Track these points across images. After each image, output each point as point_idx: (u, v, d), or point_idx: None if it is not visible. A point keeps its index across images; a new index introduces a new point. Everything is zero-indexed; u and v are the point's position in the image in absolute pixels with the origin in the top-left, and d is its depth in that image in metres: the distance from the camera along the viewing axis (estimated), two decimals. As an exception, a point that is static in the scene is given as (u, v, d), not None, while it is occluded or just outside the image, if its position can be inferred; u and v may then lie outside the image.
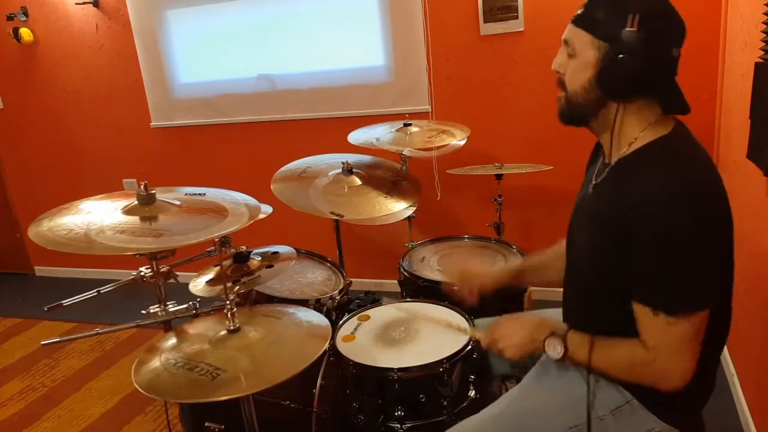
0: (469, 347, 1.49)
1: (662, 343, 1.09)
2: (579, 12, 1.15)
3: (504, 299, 1.92)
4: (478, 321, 1.59)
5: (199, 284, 1.74)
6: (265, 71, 3.30)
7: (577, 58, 1.15)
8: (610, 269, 1.16)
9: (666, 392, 1.13)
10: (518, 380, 1.58)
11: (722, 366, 2.32)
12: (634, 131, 1.15)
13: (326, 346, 1.31)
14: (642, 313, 1.11)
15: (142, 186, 1.44)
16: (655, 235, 1.06)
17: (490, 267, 1.66)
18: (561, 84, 1.21)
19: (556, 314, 1.47)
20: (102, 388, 2.72)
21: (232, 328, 1.35)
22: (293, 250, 1.89)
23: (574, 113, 1.20)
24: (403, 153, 2.34)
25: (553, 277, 1.54)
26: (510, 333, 1.31)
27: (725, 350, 2.32)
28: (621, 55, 1.08)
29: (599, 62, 1.11)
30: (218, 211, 1.45)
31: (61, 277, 4.23)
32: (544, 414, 1.28)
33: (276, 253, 1.85)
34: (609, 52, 1.10)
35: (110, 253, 1.24)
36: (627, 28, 1.06)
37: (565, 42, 1.17)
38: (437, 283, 1.90)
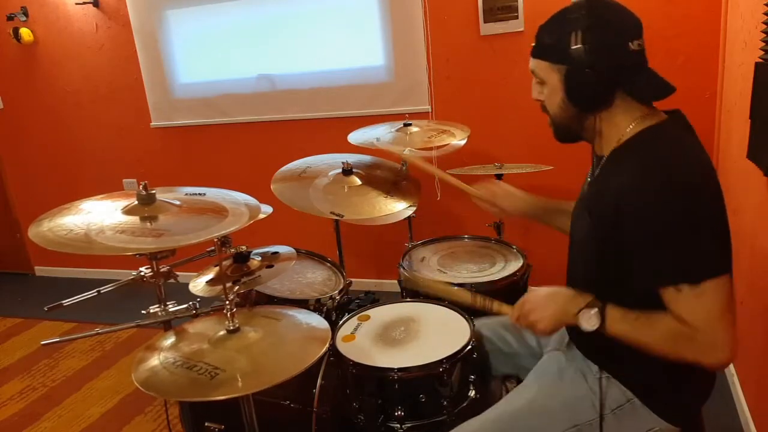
0: (469, 347, 1.49)
1: (698, 316, 1.06)
2: (533, 44, 1.23)
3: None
4: (478, 322, 1.59)
5: (199, 284, 1.74)
6: (265, 71, 3.30)
7: (547, 85, 1.22)
8: (607, 260, 1.18)
9: (714, 367, 1.11)
10: (518, 380, 1.59)
11: (722, 366, 2.32)
12: (621, 129, 1.19)
13: (325, 348, 1.31)
14: (667, 295, 1.09)
15: (142, 186, 1.44)
16: (647, 215, 1.07)
17: (518, 196, 1.62)
18: (545, 110, 1.28)
19: None
20: (102, 388, 2.72)
21: (231, 328, 1.35)
22: (293, 250, 1.89)
23: (564, 133, 1.27)
24: (404, 153, 2.34)
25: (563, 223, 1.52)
26: (541, 305, 1.25)
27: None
28: (578, 72, 1.15)
29: (563, 83, 1.19)
30: (218, 211, 1.45)
31: (61, 277, 4.23)
32: (546, 414, 1.28)
33: (276, 253, 1.85)
34: (568, 73, 1.17)
35: (110, 253, 1.24)
36: (573, 46, 1.13)
37: (533, 72, 1.25)
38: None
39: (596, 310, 1.16)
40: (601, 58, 1.13)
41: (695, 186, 1.07)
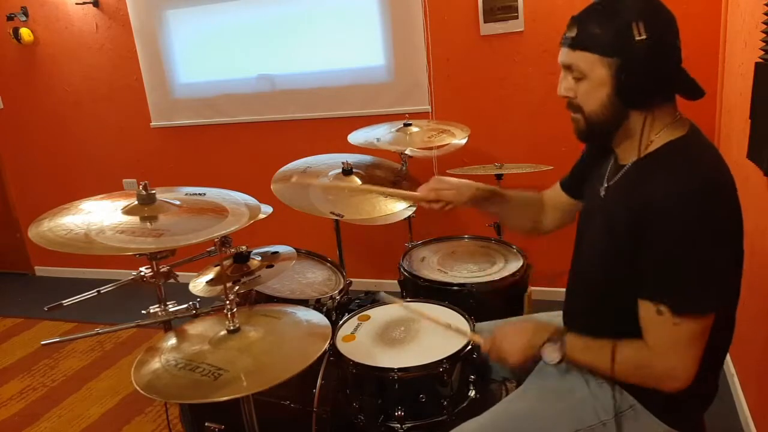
0: (469, 347, 1.49)
1: (664, 343, 1.09)
2: (571, 35, 1.13)
3: (504, 300, 1.93)
4: (479, 325, 1.59)
5: (199, 284, 1.74)
6: (265, 71, 3.30)
7: (588, 80, 1.13)
8: (619, 273, 1.16)
9: (669, 392, 1.12)
10: (518, 381, 1.58)
11: (722, 366, 2.32)
12: (651, 134, 1.14)
13: (327, 345, 1.31)
14: (646, 310, 1.10)
15: (142, 186, 1.44)
16: (669, 234, 1.05)
17: (463, 181, 1.51)
18: (574, 107, 1.19)
19: (552, 317, 1.48)
20: (102, 388, 2.72)
21: (232, 328, 1.35)
22: (293, 250, 1.89)
23: (596, 131, 1.18)
24: (404, 153, 2.34)
25: (518, 220, 1.58)
26: (510, 339, 1.28)
27: (725, 350, 2.32)
28: (636, 66, 1.06)
29: (614, 78, 1.10)
30: (218, 211, 1.45)
31: (61, 277, 4.23)
32: (546, 417, 1.28)
33: (276, 253, 1.85)
34: (622, 66, 1.08)
35: (110, 253, 1.24)
36: (637, 38, 1.04)
37: (567, 67, 1.15)
38: (437, 282, 1.90)
39: (558, 344, 1.19)
40: (661, 52, 1.06)
41: (727, 214, 1.07)
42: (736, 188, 1.11)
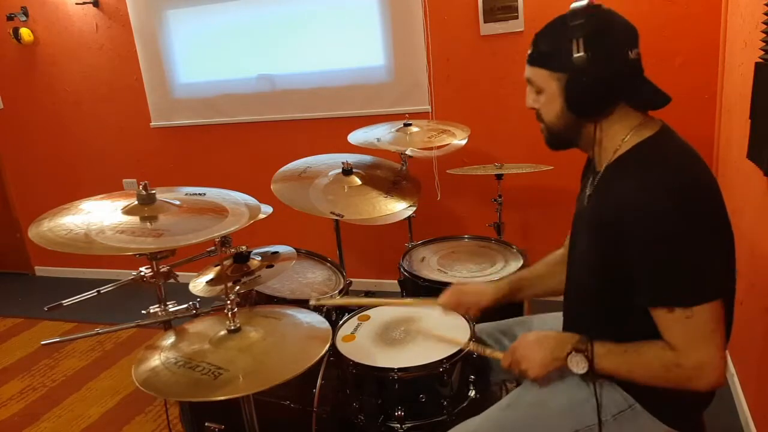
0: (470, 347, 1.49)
1: (686, 339, 1.08)
2: (529, 52, 1.21)
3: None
4: (479, 326, 1.59)
5: (199, 284, 1.74)
6: (265, 71, 3.30)
7: (544, 93, 1.21)
8: (608, 278, 1.17)
9: (705, 391, 1.11)
10: (518, 381, 1.59)
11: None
12: (617, 139, 1.18)
13: (327, 347, 1.31)
14: (659, 315, 1.10)
15: (142, 186, 1.44)
16: (649, 235, 1.07)
17: (482, 285, 1.57)
18: (539, 118, 1.26)
19: (556, 319, 1.47)
20: (102, 388, 2.72)
21: (232, 328, 1.35)
22: (293, 250, 1.89)
23: (558, 140, 1.26)
24: (405, 153, 2.34)
25: (552, 286, 1.53)
26: (531, 353, 1.26)
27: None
28: (580, 80, 1.13)
29: (563, 92, 1.17)
30: (218, 211, 1.45)
31: (61, 277, 4.23)
32: (546, 416, 1.28)
33: (276, 253, 1.85)
34: (568, 81, 1.15)
35: (110, 253, 1.24)
36: (575, 55, 1.11)
37: (528, 81, 1.23)
38: (437, 282, 1.89)
39: (582, 354, 1.18)
40: (602, 67, 1.11)
41: (699, 207, 1.07)
42: (711, 180, 1.12)
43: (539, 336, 1.29)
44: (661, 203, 1.05)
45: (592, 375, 1.19)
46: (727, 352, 2.24)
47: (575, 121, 1.20)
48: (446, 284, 1.87)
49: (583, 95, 1.15)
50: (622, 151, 1.17)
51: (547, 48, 1.18)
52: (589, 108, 1.17)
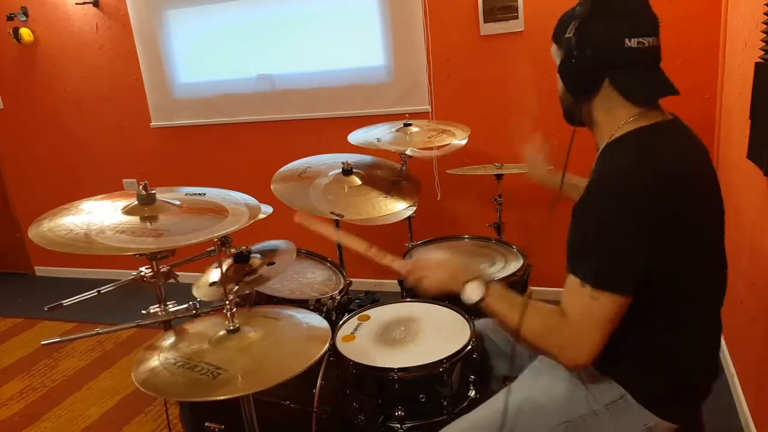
0: (469, 347, 1.49)
1: (581, 315, 1.12)
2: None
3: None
4: (478, 322, 1.59)
5: (202, 287, 1.73)
6: (265, 71, 3.30)
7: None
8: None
9: (565, 365, 1.17)
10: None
11: (722, 366, 2.32)
12: (615, 125, 1.19)
13: (326, 348, 1.31)
14: (570, 281, 1.14)
15: (142, 186, 1.44)
16: (590, 208, 1.12)
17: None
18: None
19: None
20: (102, 388, 2.72)
21: (231, 328, 1.35)
22: (291, 244, 1.88)
23: (566, 114, 1.31)
24: (405, 153, 2.34)
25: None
26: (434, 268, 1.33)
27: (725, 350, 2.32)
28: (569, 61, 1.18)
29: (558, 67, 1.23)
30: (218, 211, 1.45)
31: (61, 277, 4.23)
32: (539, 409, 1.28)
33: (275, 249, 1.84)
34: (562, 60, 1.21)
35: (110, 253, 1.24)
36: (566, 35, 1.17)
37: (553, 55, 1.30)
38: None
39: (482, 283, 1.24)
40: (587, 49, 1.15)
41: (648, 203, 1.07)
42: (690, 185, 1.13)
43: (447, 257, 1.39)
44: (615, 188, 1.09)
45: (476, 307, 1.24)
46: (726, 351, 2.25)
47: (573, 100, 1.25)
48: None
49: (569, 75, 1.21)
50: (615, 137, 1.19)
51: (559, 26, 1.24)
52: (576, 89, 1.22)
